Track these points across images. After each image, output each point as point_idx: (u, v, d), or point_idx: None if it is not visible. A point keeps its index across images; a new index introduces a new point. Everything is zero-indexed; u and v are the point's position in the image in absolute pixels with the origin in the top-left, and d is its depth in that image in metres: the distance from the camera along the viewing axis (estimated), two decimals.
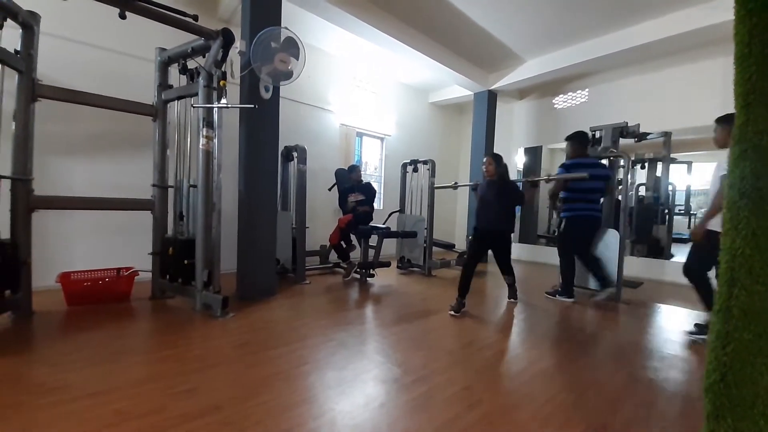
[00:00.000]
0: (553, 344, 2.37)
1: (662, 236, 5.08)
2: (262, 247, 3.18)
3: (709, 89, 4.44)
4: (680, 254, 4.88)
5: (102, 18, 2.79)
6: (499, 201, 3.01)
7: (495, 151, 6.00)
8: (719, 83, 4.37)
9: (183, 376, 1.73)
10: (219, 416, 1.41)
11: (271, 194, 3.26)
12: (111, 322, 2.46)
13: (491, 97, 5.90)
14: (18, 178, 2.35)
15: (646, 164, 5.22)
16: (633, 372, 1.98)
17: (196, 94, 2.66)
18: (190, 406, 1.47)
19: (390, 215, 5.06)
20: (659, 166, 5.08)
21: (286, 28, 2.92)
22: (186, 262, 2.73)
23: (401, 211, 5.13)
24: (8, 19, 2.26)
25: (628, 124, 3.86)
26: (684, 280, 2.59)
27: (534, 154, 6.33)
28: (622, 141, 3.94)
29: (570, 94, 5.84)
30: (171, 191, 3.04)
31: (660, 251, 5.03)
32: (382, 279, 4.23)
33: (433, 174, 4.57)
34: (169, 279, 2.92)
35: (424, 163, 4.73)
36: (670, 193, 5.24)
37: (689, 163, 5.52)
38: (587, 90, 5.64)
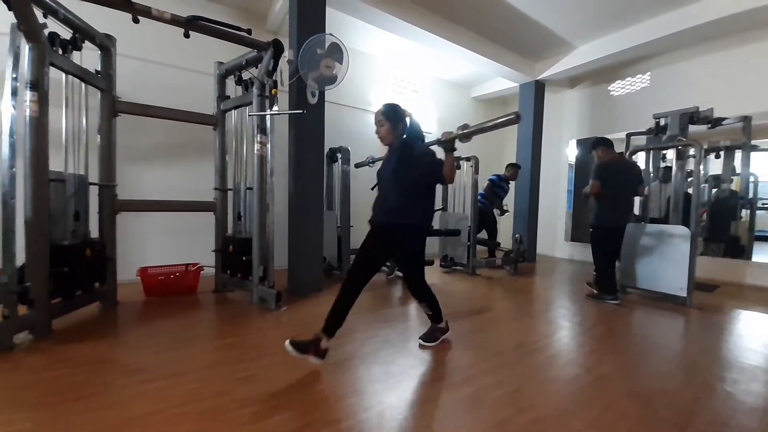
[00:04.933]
0: (613, 350, 2.24)
1: (742, 234, 4.52)
2: (310, 245, 3.33)
3: None
4: (763, 254, 4.33)
5: (168, 37, 3.07)
6: (397, 178, 1.95)
7: (543, 144, 5.75)
8: None
9: (244, 363, 1.88)
10: (277, 402, 1.52)
11: (318, 195, 3.41)
12: (181, 311, 2.73)
13: (538, 88, 5.63)
14: (104, 184, 2.70)
15: (722, 153, 4.68)
16: (707, 383, 1.81)
17: (251, 103, 2.85)
18: (252, 391, 1.60)
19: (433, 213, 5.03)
20: (738, 154, 4.53)
21: (331, 34, 3.03)
22: (244, 258, 2.95)
23: (443, 209, 5.08)
24: (87, 42, 2.56)
25: (700, 109, 3.49)
26: None
27: (588, 146, 5.93)
28: (693, 128, 3.57)
29: (629, 79, 5.39)
30: (230, 194, 3.30)
31: (739, 251, 4.49)
32: (426, 277, 4.21)
33: (476, 171, 4.48)
34: (230, 274, 3.17)
35: (467, 159, 4.65)
36: (752, 184, 4.65)
37: None
38: (649, 74, 5.17)
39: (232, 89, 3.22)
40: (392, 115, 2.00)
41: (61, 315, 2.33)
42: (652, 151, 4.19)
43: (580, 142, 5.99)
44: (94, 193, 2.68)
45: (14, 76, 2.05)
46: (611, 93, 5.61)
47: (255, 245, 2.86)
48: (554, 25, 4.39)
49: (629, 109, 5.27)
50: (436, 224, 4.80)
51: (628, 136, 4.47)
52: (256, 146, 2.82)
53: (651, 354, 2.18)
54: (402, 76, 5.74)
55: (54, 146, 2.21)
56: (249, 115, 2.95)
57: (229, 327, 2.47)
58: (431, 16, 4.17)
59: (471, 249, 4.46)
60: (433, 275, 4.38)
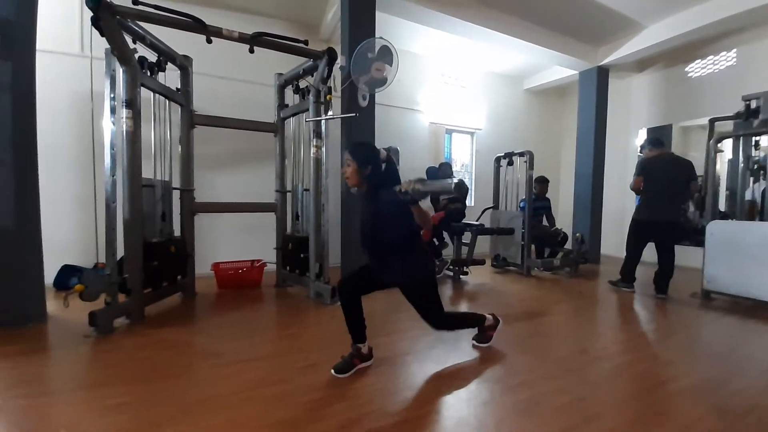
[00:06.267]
0: (695, 361, 2.03)
1: None
2: (358, 246, 3.44)
3: None
4: None
5: (232, 54, 3.36)
6: (377, 222, 1.75)
7: (608, 135, 5.31)
8: None
9: (304, 354, 2.02)
10: (335, 391, 1.61)
11: None
12: (248, 303, 2.99)
13: (601, 74, 5.21)
14: (184, 189, 3.05)
15: None
16: None
17: (308, 110, 3.03)
18: (312, 379, 1.71)
19: (484, 212, 4.91)
20: None
21: (381, 38, 3.10)
22: (302, 256, 3.15)
23: (495, 207, 4.93)
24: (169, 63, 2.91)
25: None
26: None
27: (660, 135, 5.36)
28: None
29: (710, 58, 4.79)
30: (289, 195, 3.52)
31: None
32: (476, 277, 4.15)
33: (531, 166, 4.28)
34: (289, 270, 3.40)
35: (521, 155, 4.46)
36: None
37: None
38: (735, 51, 4.55)
39: (291, 98, 3.44)
40: (360, 156, 1.73)
41: (151, 303, 2.67)
42: (742, 138, 3.69)
43: (651, 132, 5.43)
44: (176, 196, 3.03)
45: (112, 96, 2.40)
46: (689, 75, 5.03)
47: (311, 243, 3.02)
48: (619, 4, 4.04)
49: (712, 92, 4.68)
50: (486, 222, 4.69)
51: (712, 121, 3.99)
52: (312, 150, 2.99)
53: (741, 367, 1.94)
54: (450, 72, 5.67)
55: (144, 156, 2.54)
56: (306, 121, 3.13)
57: (289, 319, 2.66)
58: (483, 9, 4.07)
59: (525, 248, 4.28)
60: (484, 275, 4.28)
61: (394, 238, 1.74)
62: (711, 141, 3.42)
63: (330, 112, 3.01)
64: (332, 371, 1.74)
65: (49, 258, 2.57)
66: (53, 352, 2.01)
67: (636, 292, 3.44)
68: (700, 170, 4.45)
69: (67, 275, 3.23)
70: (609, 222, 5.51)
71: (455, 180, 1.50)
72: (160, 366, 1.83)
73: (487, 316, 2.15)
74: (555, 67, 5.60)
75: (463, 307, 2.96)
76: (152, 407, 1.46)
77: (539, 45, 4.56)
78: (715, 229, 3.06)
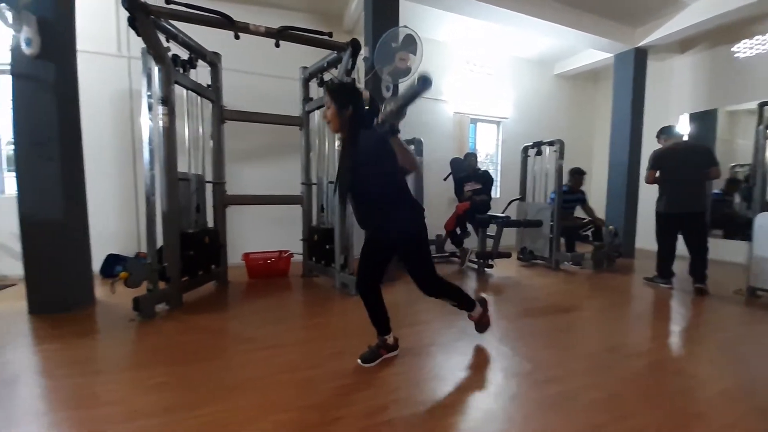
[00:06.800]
0: (738, 362, 1.93)
1: None
2: None
3: None
4: None
5: (257, 49, 3.42)
6: (357, 168, 1.61)
7: (645, 121, 5.03)
8: None
9: (331, 341, 2.08)
10: (362, 378, 1.66)
11: None
12: (277, 292, 3.10)
13: (639, 56, 4.91)
14: (216, 182, 3.17)
15: None
16: None
17: None
18: (339, 366, 1.76)
19: (510, 203, 4.80)
20: None
21: (405, 27, 3.06)
22: (327, 247, 3.21)
23: (522, 198, 4.81)
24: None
25: None
26: None
27: (704, 120, 5.01)
28: None
29: (758, 38, 4.39)
30: (315, 188, 3.58)
31: None
32: (501, 270, 4.07)
33: (561, 156, 4.12)
34: (315, 261, 3.48)
35: (550, 144, 4.30)
36: None
37: None
38: None
39: (316, 91, 3.47)
40: (339, 96, 1.61)
41: (188, 291, 2.82)
42: None
43: (694, 117, 5.09)
44: (208, 189, 3.16)
45: (148, 93, 2.51)
46: (736, 55, 4.65)
47: (336, 235, 3.08)
48: None
49: (761, 74, 4.31)
50: (513, 215, 4.58)
51: (761, 105, 3.70)
52: (337, 143, 3.02)
53: None
54: (475, 59, 5.51)
55: (179, 151, 2.65)
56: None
57: (316, 308, 2.73)
58: None
59: (554, 241, 4.16)
60: (510, 268, 4.20)
61: (378, 188, 1.61)
62: (760, 126, 3.17)
63: None
64: (359, 360, 1.78)
65: (95, 247, 2.77)
66: (101, 335, 2.17)
67: (674, 288, 3.28)
68: (747, 158, 4.16)
69: (112, 264, 3.46)
70: (645, 214, 5.23)
71: (416, 75, 1.39)
72: (197, 350, 1.95)
73: (476, 301, 2.03)
74: (588, 50, 5.33)
75: (488, 299, 2.92)
76: (189, 388, 1.55)
77: (571, 27, 4.34)
78: (763, 221, 2.85)
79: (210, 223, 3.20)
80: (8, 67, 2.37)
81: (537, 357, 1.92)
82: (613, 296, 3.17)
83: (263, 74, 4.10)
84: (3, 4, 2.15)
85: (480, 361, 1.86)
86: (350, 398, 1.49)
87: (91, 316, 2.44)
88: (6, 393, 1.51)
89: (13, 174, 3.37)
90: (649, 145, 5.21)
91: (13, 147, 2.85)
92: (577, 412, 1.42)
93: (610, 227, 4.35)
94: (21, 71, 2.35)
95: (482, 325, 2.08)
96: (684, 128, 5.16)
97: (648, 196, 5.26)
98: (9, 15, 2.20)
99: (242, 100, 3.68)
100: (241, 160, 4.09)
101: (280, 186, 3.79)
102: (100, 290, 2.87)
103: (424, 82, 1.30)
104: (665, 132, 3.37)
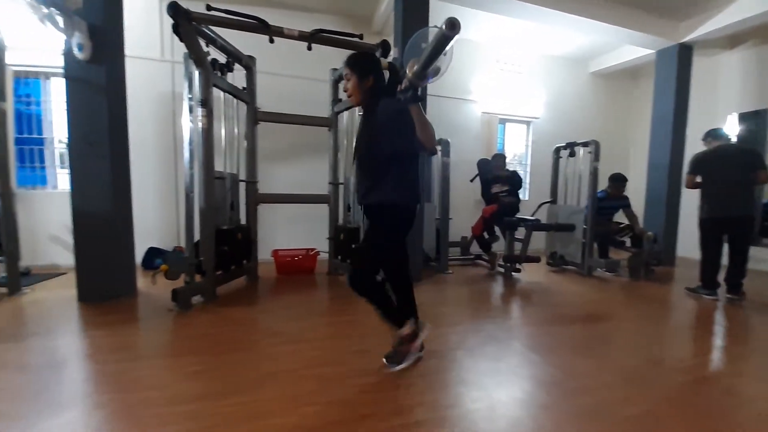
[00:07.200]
0: None
1: None
2: (410, 236, 3.45)
3: None
4: None
5: (290, 52, 3.51)
6: (373, 135, 1.56)
7: (690, 121, 4.74)
8: None
9: (356, 339, 2.10)
10: (387, 378, 1.66)
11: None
12: (304, 288, 3.17)
13: (683, 52, 4.62)
14: (249, 181, 3.30)
15: None
16: None
17: None
18: (365, 364, 1.77)
19: (540, 206, 4.66)
20: None
21: (435, 27, 3.04)
22: (353, 246, 3.25)
23: (553, 201, 4.65)
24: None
25: None
26: None
27: (756, 120, 4.65)
28: None
29: None
30: (341, 187, 3.64)
31: None
32: (530, 275, 3.96)
33: (596, 158, 3.95)
34: (340, 259, 3.53)
35: (585, 145, 4.14)
36: None
37: None
38: None
39: (344, 93, 3.51)
40: (359, 67, 1.55)
41: (221, 284, 2.94)
42: None
43: (743, 117, 4.74)
44: (241, 188, 3.28)
45: (189, 96, 2.64)
46: None
47: (362, 234, 3.10)
48: None
49: None
50: (543, 218, 4.44)
51: None
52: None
53: None
54: (506, 58, 5.39)
55: (215, 150, 2.77)
56: (359, 115, 3.19)
57: (342, 306, 2.77)
58: None
59: (587, 247, 4.00)
60: (538, 273, 4.08)
61: (376, 162, 1.53)
62: None
63: None
64: (384, 360, 1.74)
65: (137, 241, 2.95)
66: (142, 323, 2.31)
67: (719, 300, 3.07)
68: None
69: (152, 256, 3.67)
70: (687, 220, 4.93)
71: (432, 27, 1.20)
72: (230, 341, 2.03)
73: (407, 322, 1.70)
74: (626, 46, 5.09)
75: (514, 306, 2.86)
76: (221, 377, 1.62)
77: (609, 23, 4.16)
78: None
79: (242, 220, 3.32)
80: (61, 70, 2.56)
81: (568, 366, 1.85)
82: (650, 306, 3.01)
83: (294, 76, 4.20)
84: (53, 8, 2.26)
85: (507, 367, 1.82)
86: (375, 396, 1.50)
87: (133, 305, 2.60)
88: (56, 375, 1.64)
89: (66, 170, 3.66)
90: (694, 146, 4.93)
91: (65, 145, 3.08)
92: (610, 425, 1.36)
93: (649, 233, 4.12)
94: (74, 74, 2.53)
95: (400, 353, 1.70)
96: (732, 129, 4.82)
97: (691, 201, 4.95)
98: (60, 20, 2.35)
99: (274, 102, 3.79)
100: (272, 160, 4.22)
101: (309, 185, 3.87)
102: (142, 281, 3.05)
103: (453, 26, 1.12)
104: (712, 134, 3.21)
